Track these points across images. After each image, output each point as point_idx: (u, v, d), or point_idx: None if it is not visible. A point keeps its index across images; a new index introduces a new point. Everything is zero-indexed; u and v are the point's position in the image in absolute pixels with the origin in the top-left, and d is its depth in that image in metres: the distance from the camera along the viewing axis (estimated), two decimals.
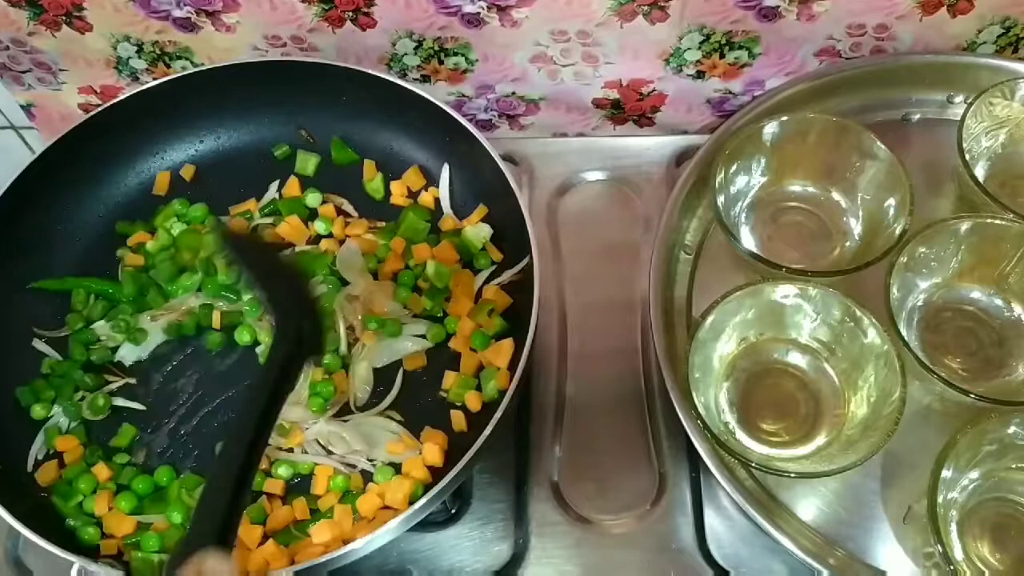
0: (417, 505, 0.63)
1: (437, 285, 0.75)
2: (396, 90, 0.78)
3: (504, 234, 0.77)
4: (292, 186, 0.82)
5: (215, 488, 0.54)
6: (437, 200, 0.81)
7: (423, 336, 0.74)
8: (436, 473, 0.68)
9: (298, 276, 0.67)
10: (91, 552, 0.66)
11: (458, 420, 0.71)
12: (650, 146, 0.91)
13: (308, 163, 0.83)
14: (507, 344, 0.72)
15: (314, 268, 0.77)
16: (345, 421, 0.71)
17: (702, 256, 0.80)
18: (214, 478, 0.55)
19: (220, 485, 0.53)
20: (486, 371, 0.72)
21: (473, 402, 0.71)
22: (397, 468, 0.69)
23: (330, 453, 0.70)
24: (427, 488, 0.65)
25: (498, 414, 0.64)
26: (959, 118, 0.75)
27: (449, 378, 0.72)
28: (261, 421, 0.56)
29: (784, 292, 0.70)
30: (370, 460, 0.70)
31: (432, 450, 0.68)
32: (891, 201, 0.73)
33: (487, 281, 0.76)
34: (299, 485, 0.70)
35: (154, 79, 0.83)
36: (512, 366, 0.70)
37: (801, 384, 0.73)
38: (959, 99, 0.84)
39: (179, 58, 0.86)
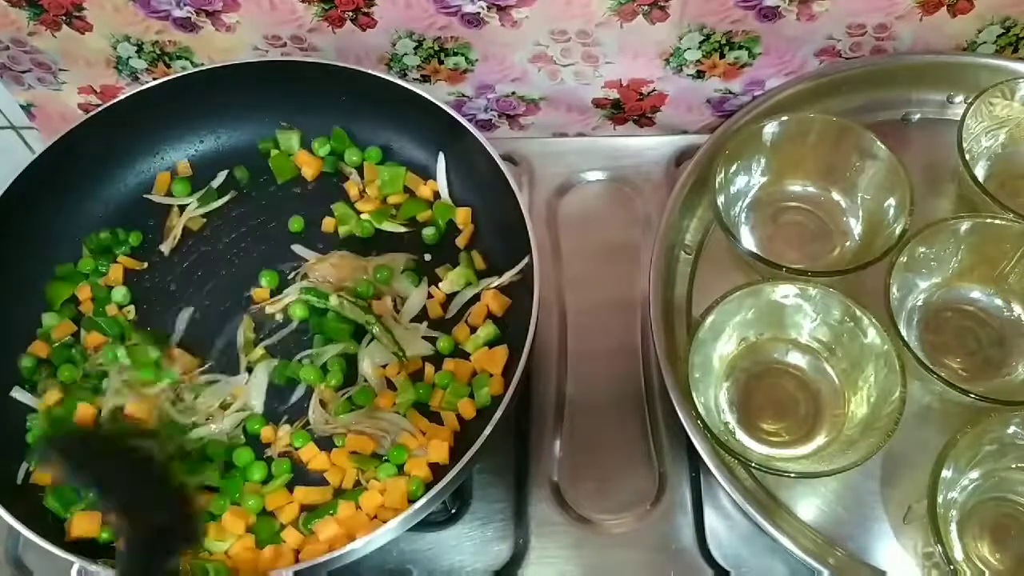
0: (417, 505, 0.63)
1: None
2: (396, 90, 0.78)
3: (504, 234, 0.77)
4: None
5: None
6: (436, 193, 0.81)
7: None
8: (438, 472, 0.68)
9: (149, 465, 0.61)
10: (94, 552, 0.66)
11: (456, 421, 0.71)
12: (650, 146, 0.91)
13: (291, 140, 0.83)
14: (500, 351, 0.72)
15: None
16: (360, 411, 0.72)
17: (702, 256, 0.80)
18: None
19: None
20: (478, 378, 0.71)
21: (467, 409, 0.71)
22: (399, 468, 0.69)
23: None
24: (428, 487, 0.65)
25: (498, 414, 0.64)
26: (959, 118, 0.75)
27: (436, 396, 0.72)
28: None
29: (784, 292, 0.70)
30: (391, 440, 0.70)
31: (439, 447, 0.68)
32: (891, 201, 0.73)
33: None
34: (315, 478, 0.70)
35: (154, 79, 0.83)
36: (509, 369, 0.70)
37: (801, 384, 0.73)
38: (959, 99, 0.84)
39: (179, 58, 0.86)
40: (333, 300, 0.74)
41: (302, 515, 0.68)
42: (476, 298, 0.76)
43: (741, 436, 0.71)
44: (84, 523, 0.67)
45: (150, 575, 0.55)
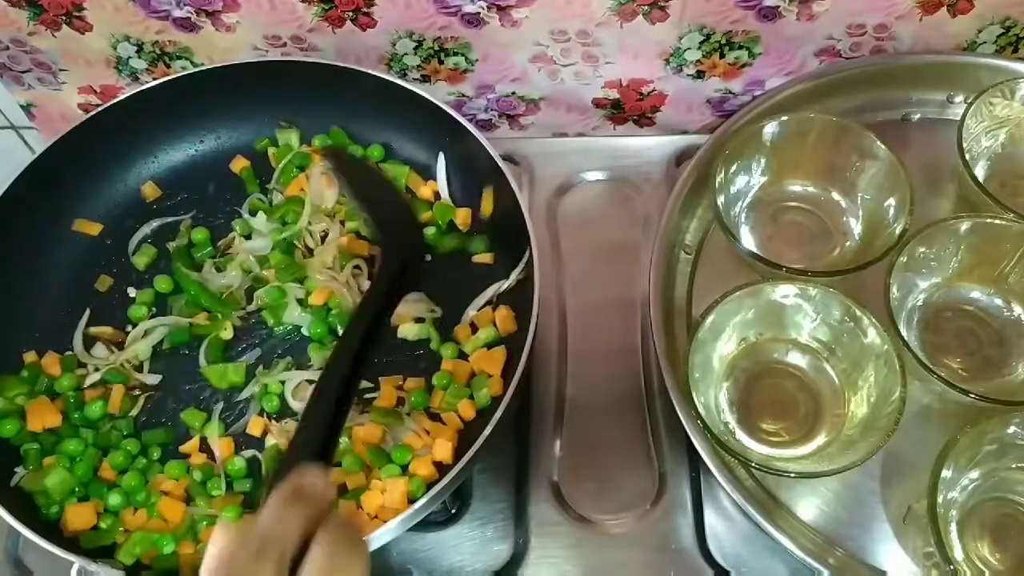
0: (417, 505, 0.63)
1: None
2: (396, 90, 0.78)
3: (504, 234, 0.77)
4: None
5: (315, 406, 0.53)
6: (436, 194, 0.81)
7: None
8: (442, 471, 0.68)
9: (405, 203, 0.69)
10: (95, 552, 0.66)
11: (458, 420, 0.71)
12: (650, 146, 0.91)
13: (290, 139, 0.83)
14: (499, 352, 0.72)
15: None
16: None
17: (702, 256, 0.80)
18: (315, 398, 0.54)
19: (321, 403, 0.53)
20: (477, 379, 0.71)
21: (466, 411, 0.71)
22: (403, 468, 0.69)
23: None
24: (430, 487, 0.65)
25: (498, 414, 0.64)
26: (959, 118, 0.75)
27: (436, 397, 0.72)
28: (364, 339, 0.56)
29: (784, 292, 0.70)
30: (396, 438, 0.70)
31: (444, 446, 0.68)
32: (891, 201, 0.73)
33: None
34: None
35: (154, 79, 0.83)
36: (508, 369, 0.70)
37: (801, 384, 0.73)
38: (959, 99, 0.84)
39: (179, 58, 0.86)
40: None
41: None
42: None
43: (741, 436, 0.71)
44: (79, 516, 0.68)
45: (391, 301, 0.60)
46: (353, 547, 0.45)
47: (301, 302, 0.76)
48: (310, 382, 0.73)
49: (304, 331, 0.76)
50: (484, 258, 0.78)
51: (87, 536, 0.67)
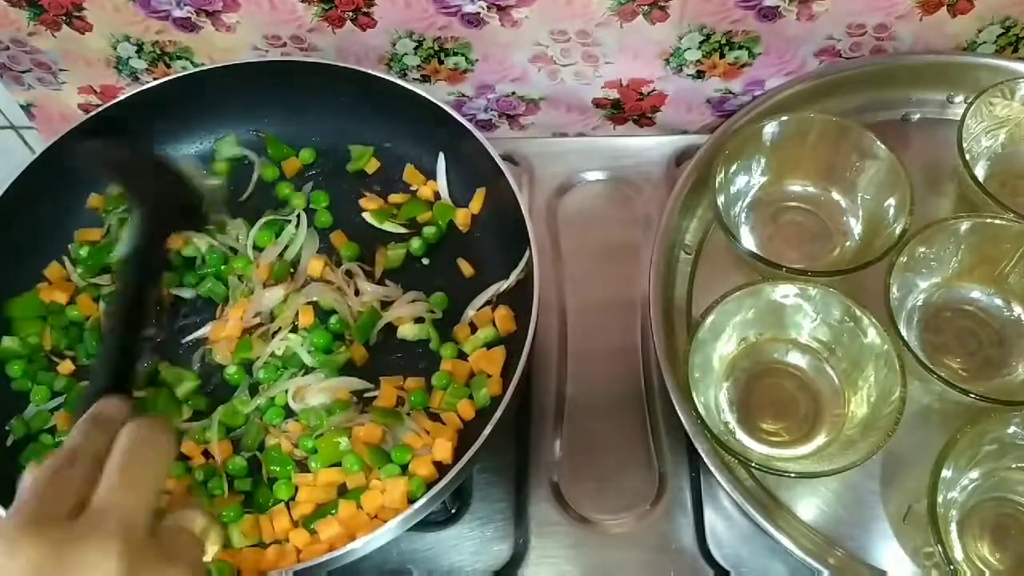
0: (417, 504, 0.63)
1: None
2: (396, 90, 0.78)
3: (504, 234, 0.77)
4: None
5: (107, 346, 0.58)
6: (436, 194, 0.81)
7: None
8: (442, 471, 0.68)
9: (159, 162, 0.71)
10: None
11: (458, 420, 0.71)
12: (650, 146, 0.91)
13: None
14: (498, 352, 0.72)
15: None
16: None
17: (702, 256, 0.80)
18: (105, 338, 0.60)
19: (111, 341, 0.58)
20: (476, 379, 0.71)
21: (466, 410, 0.71)
22: (403, 468, 0.69)
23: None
24: (430, 487, 0.65)
25: (498, 414, 0.64)
26: (959, 118, 0.75)
27: (436, 397, 0.72)
28: (139, 278, 0.60)
29: (784, 292, 0.70)
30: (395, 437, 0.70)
31: (443, 446, 0.68)
32: (891, 201, 0.73)
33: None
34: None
35: (154, 79, 0.83)
36: (508, 369, 0.70)
37: (801, 384, 0.73)
38: (959, 99, 0.84)
39: (179, 58, 0.86)
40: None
41: (304, 515, 0.68)
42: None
43: (741, 436, 0.71)
44: None
45: (156, 239, 0.64)
46: (156, 431, 0.48)
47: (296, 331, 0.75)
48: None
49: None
50: (465, 267, 0.78)
51: None
